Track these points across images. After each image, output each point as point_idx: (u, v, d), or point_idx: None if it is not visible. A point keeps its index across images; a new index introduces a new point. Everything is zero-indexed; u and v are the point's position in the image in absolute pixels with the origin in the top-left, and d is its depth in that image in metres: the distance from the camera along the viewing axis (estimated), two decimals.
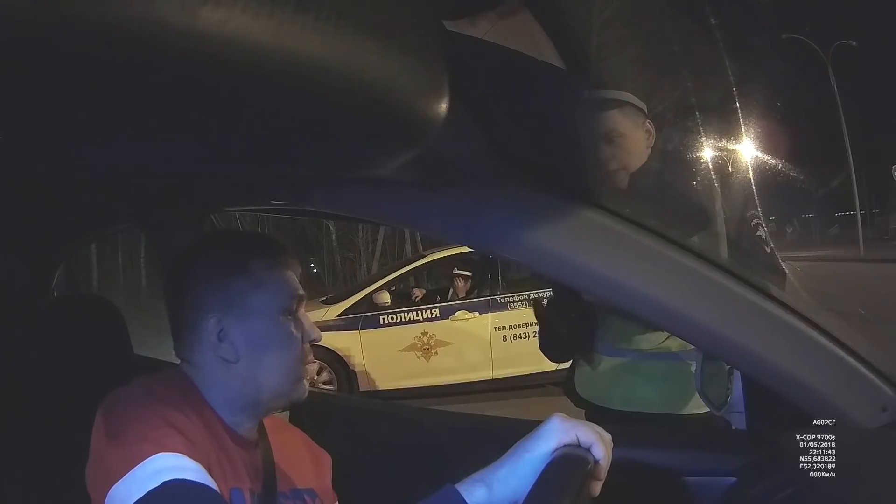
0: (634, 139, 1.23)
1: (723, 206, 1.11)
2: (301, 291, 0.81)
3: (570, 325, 1.36)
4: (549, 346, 1.47)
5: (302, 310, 0.82)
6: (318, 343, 0.83)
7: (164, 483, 0.62)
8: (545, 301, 1.49)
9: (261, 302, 0.77)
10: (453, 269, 5.55)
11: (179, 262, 0.81)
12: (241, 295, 0.77)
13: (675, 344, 1.30)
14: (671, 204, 1.13)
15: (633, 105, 1.22)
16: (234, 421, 0.78)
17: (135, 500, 0.61)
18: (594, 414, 1.39)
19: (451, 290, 5.59)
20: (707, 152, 1.16)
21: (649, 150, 1.24)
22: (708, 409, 1.19)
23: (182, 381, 0.77)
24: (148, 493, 0.61)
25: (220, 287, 0.77)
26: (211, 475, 0.67)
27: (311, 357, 0.82)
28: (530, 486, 0.61)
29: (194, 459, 0.66)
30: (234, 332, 0.76)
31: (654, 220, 0.78)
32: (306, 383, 0.81)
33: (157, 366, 1.24)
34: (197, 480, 0.64)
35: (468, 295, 5.44)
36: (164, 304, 0.83)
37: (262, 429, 0.84)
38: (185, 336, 0.78)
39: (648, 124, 1.23)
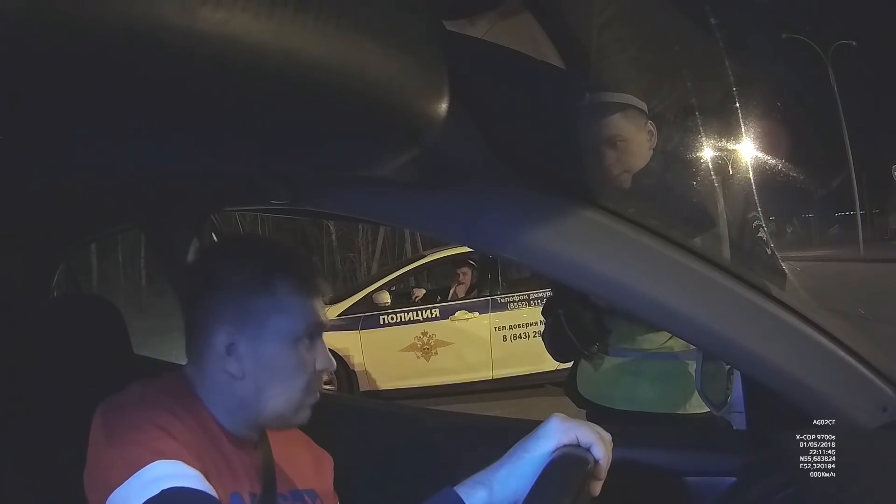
0: (637, 142, 1.23)
1: (723, 207, 1.11)
2: (324, 320, 0.78)
3: (576, 324, 1.36)
4: (553, 345, 1.47)
5: (321, 338, 0.78)
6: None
7: (163, 491, 0.62)
8: (553, 299, 1.49)
9: (279, 326, 0.74)
10: (455, 264, 5.54)
11: (201, 260, 0.78)
12: (260, 315, 0.73)
13: (677, 344, 1.30)
14: (671, 204, 1.13)
15: (634, 107, 1.22)
16: (233, 426, 0.77)
17: None
18: (596, 414, 1.40)
19: (452, 290, 5.59)
20: (707, 152, 1.16)
21: (651, 150, 1.24)
22: (708, 409, 1.20)
23: (180, 385, 0.76)
24: (146, 502, 0.61)
25: (238, 301, 0.74)
26: (209, 481, 0.66)
27: (319, 385, 0.79)
28: (530, 487, 0.61)
29: (192, 466, 0.66)
30: (243, 349, 0.74)
31: (654, 220, 0.78)
32: (310, 410, 0.78)
33: (156, 366, 1.24)
34: (195, 488, 0.64)
35: (468, 294, 5.44)
36: (163, 303, 0.82)
37: (262, 430, 0.84)
38: (195, 339, 0.77)
39: (650, 125, 1.23)
